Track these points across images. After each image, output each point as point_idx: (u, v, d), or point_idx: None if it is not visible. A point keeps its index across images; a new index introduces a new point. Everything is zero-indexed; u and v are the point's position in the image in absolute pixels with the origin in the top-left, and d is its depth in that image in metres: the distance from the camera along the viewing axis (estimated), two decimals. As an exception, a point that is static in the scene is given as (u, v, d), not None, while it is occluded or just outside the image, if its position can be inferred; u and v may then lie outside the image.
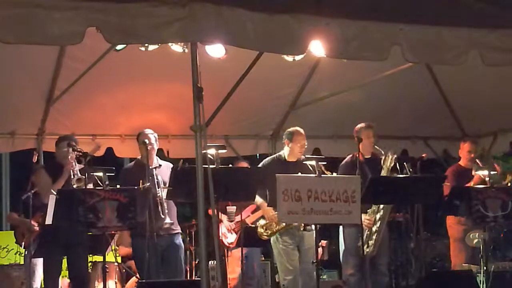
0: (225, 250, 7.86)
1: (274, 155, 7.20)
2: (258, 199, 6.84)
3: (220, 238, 7.69)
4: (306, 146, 6.95)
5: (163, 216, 6.56)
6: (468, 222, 7.30)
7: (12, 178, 12.79)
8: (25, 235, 7.63)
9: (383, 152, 6.81)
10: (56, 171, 6.51)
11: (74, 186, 6.23)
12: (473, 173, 7.41)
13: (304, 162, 6.36)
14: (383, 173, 6.75)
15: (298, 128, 6.97)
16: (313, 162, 6.01)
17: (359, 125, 7.06)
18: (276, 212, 6.57)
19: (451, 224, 7.68)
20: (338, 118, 8.51)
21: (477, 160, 7.43)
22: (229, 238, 7.99)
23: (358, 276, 6.94)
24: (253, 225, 7.34)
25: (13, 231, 7.93)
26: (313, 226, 6.67)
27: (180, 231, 7.00)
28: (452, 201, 6.46)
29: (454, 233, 7.66)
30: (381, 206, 6.79)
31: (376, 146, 6.95)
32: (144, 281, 6.27)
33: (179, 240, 6.89)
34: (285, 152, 7.01)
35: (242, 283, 7.76)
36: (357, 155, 6.64)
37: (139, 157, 6.85)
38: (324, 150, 8.91)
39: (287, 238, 6.88)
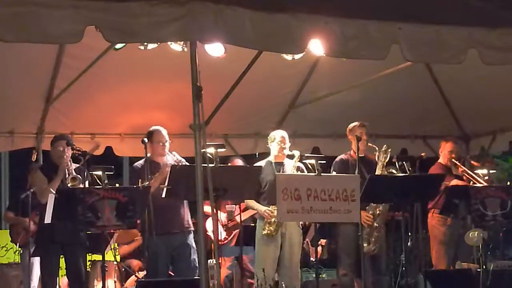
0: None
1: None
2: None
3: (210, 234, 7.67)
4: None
5: None
6: (454, 224, 7.29)
7: (11, 177, 12.78)
8: (21, 234, 7.64)
9: (377, 148, 6.80)
10: (52, 170, 6.47)
11: (69, 185, 6.21)
12: (453, 172, 7.44)
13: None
14: (379, 168, 6.74)
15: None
16: (313, 161, 6.01)
17: (352, 124, 7.06)
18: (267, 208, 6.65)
19: (435, 224, 7.47)
20: (338, 117, 8.49)
21: (456, 161, 7.44)
22: (221, 235, 7.91)
23: (351, 276, 6.93)
24: (253, 224, 7.31)
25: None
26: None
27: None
28: (451, 200, 6.47)
29: (437, 234, 7.45)
30: (380, 202, 6.78)
31: (369, 144, 6.93)
32: (143, 280, 6.27)
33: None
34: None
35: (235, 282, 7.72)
36: (355, 154, 6.65)
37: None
38: (324, 149, 8.90)
39: None
